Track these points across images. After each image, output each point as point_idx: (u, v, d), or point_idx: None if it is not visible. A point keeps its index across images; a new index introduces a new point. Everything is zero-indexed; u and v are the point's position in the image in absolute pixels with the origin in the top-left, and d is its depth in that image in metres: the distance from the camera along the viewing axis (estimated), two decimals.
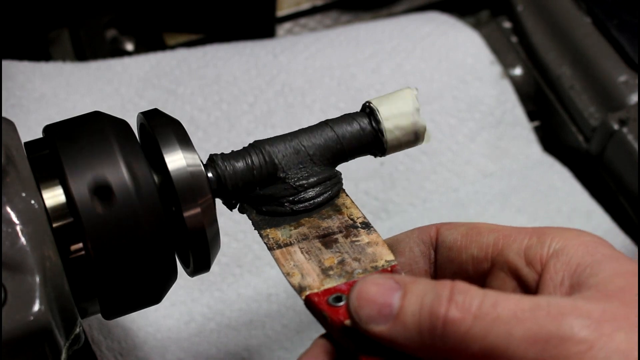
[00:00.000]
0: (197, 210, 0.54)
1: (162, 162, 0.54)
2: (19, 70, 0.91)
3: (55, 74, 0.92)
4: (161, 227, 0.53)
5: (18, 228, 0.49)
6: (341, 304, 0.50)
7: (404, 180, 0.93)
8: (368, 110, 0.60)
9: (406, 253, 0.56)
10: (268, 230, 0.57)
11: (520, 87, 1.02)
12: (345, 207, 0.59)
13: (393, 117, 0.59)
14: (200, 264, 0.57)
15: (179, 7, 1.01)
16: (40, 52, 1.00)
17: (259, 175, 0.58)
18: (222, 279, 0.85)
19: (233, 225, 0.86)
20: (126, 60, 0.95)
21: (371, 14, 1.11)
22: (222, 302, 0.83)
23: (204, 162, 0.57)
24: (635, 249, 0.90)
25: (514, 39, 1.06)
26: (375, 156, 0.61)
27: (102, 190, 0.51)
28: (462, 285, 0.46)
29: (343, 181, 0.61)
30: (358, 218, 0.58)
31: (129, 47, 1.03)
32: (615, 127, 0.91)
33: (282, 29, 1.09)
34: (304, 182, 0.58)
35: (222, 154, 0.58)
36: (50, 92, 0.90)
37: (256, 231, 0.58)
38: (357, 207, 0.59)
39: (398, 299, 0.47)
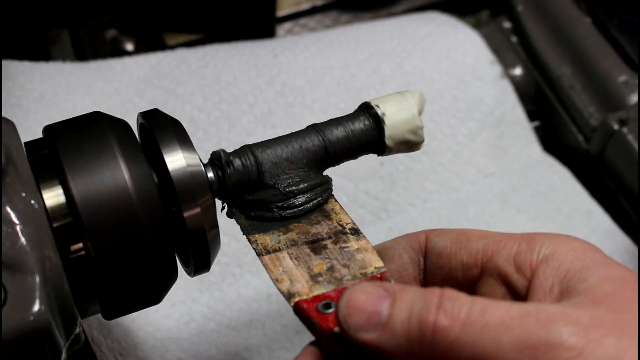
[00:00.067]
0: (197, 210, 0.54)
1: (162, 162, 0.54)
2: (19, 70, 0.91)
3: (55, 74, 0.92)
4: (161, 227, 0.53)
5: (18, 228, 0.49)
6: (330, 310, 0.50)
7: (404, 180, 0.93)
8: (368, 111, 0.60)
9: (395, 259, 0.56)
10: (257, 235, 0.57)
11: (520, 87, 1.02)
12: (334, 213, 0.59)
13: (396, 115, 0.59)
14: (200, 264, 0.57)
15: (179, 7, 1.01)
16: (40, 52, 1.00)
17: (250, 179, 0.58)
18: (222, 279, 0.85)
19: (233, 225, 0.85)
20: (126, 60, 0.95)
21: (371, 14, 1.11)
22: (222, 302, 0.83)
23: (204, 162, 0.57)
24: (635, 249, 0.90)
25: (514, 39, 1.06)
26: (379, 155, 0.61)
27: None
28: (450, 293, 0.46)
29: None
30: (347, 224, 0.58)
31: (129, 47, 1.03)
32: (615, 127, 0.91)
33: (282, 29, 1.09)
34: (294, 188, 0.58)
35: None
36: (50, 92, 0.90)
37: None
38: (346, 213, 0.59)
39: (387, 307, 0.47)
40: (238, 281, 0.85)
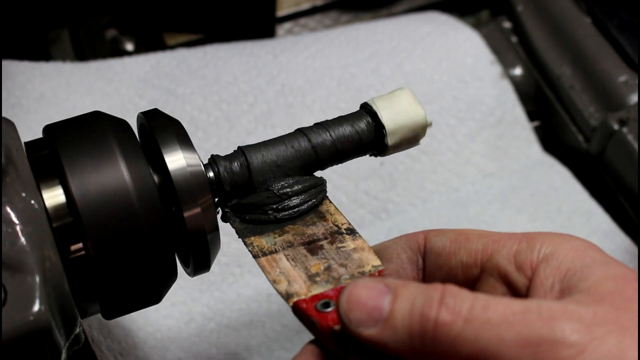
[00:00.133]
0: (197, 210, 0.54)
1: (162, 162, 0.54)
2: (19, 70, 0.91)
3: (55, 74, 0.92)
4: (161, 227, 0.53)
5: (18, 228, 0.49)
6: (329, 309, 0.50)
7: (404, 180, 0.93)
8: (367, 111, 0.60)
9: (393, 259, 0.56)
10: (252, 238, 0.57)
11: (520, 87, 1.02)
12: (329, 214, 0.58)
13: (395, 115, 0.59)
14: (200, 264, 0.57)
15: (179, 7, 1.01)
16: (40, 52, 1.00)
17: (243, 181, 0.57)
18: (222, 279, 0.85)
19: None
20: (126, 60, 0.95)
21: (371, 14, 1.11)
22: (222, 302, 0.83)
23: (204, 162, 0.57)
24: (635, 249, 0.90)
25: (514, 39, 1.06)
26: (376, 156, 0.61)
27: None
28: (452, 289, 0.46)
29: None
30: (343, 224, 0.58)
31: (129, 47, 1.03)
32: (615, 127, 0.91)
33: (282, 29, 1.09)
34: (288, 189, 0.58)
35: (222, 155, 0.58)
36: (50, 92, 0.90)
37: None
38: (341, 213, 0.59)
39: (388, 303, 0.47)
40: (238, 281, 0.85)
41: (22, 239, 0.49)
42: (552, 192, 0.95)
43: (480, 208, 0.92)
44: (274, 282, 0.53)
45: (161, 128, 0.55)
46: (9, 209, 0.49)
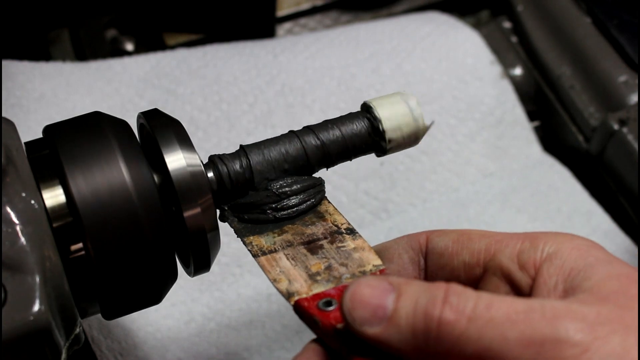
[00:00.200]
0: (197, 210, 0.54)
1: (162, 162, 0.54)
2: (19, 70, 0.91)
3: (55, 74, 0.92)
4: (161, 227, 0.53)
5: (18, 228, 0.49)
6: (331, 308, 0.50)
7: (404, 180, 0.93)
8: (367, 111, 0.60)
9: (395, 260, 0.56)
10: (251, 237, 0.57)
11: (520, 87, 1.02)
12: (328, 214, 0.58)
13: (394, 116, 0.59)
14: (200, 264, 0.57)
15: (179, 7, 1.01)
16: (40, 52, 1.00)
17: (242, 180, 0.57)
18: (222, 279, 0.85)
19: None
20: (126, 60, 0.95)
21: (371, 14, 1.11)
22: (222, 302, 0.83)
23: (204, 162, 0.57)
24: (635, 249, 0.90)
25: (514, 39, 1.06)
26: (378, 156, 0.61)
27: None
28: (456, 287, 0.46)
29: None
30: (342, 224, 0.58)
31: (129, 47, 1.03)
32: (615, 127, 0.91)
33: (282, 29, 1.09)
34: (287, 189, 0.58)
35: (221, 154, 0.58)
36: (50, 92, 0.90)
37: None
38: (340, 213, 0.59)
39: (392, 301, 0.47)
40: (238, 281, 0.85)
41: (22, 239, 0.49)
42: (552, 192, 0.95)
43: (480, 208, 0.92)
44: (274, 281, 0.53)
45: (161, 128, 0.55)
46: (9, 209, 0.49)
